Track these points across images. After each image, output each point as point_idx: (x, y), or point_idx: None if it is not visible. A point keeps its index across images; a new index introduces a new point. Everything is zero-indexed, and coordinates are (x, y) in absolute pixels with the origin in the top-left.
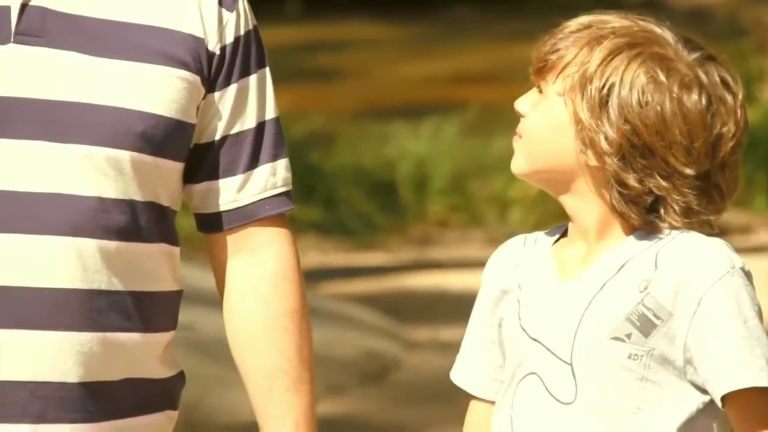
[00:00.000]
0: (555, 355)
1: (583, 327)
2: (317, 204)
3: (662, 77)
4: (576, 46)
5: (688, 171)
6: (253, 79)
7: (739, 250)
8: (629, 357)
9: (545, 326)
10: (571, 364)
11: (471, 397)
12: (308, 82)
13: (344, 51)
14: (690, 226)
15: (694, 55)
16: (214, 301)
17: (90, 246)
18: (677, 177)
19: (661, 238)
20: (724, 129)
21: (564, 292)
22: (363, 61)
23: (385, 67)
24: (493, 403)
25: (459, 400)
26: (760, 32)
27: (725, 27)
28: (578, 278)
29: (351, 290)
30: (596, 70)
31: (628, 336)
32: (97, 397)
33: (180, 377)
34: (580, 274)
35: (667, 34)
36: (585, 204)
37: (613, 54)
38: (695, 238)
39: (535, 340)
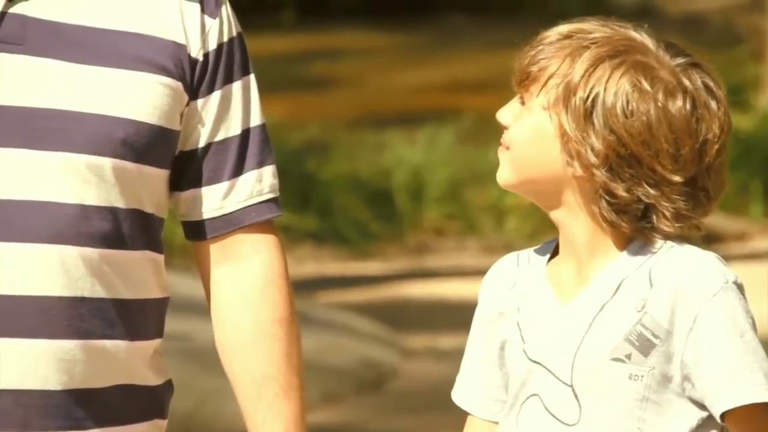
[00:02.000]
0: (556, 376)
1: (583, 349)
2: (313, 213)
3: (646, 85)
4: (558, 57)
5: (676, 178)
6: (237, 85)
7: (736, 258)
8: (630, 377)
9: (546, 348)
10: (571, 386)
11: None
12: (303, 91)
13: (339, 60)
14: (681, 231)
15: (676, 61)
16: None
17: (72, 253)
18: (665, 184)
19: (653, 253)
20: (710, 134)
21: (563, 315)
22: (358, 70)
23: (380, 76)
24: (492, 422)
25: (455, 408)
26: (755, 39)
27: (720, 34)
28: (576, 300)
29: (347, 299)
30: (579, 82)
31: (628, 356)
32: (82, 404)
33: (168, 386)
34: (578, 295)
35: (647, 41)
36: (574, 216)
37: (595, 64)
38: (687, 252)
39: (535, 362)
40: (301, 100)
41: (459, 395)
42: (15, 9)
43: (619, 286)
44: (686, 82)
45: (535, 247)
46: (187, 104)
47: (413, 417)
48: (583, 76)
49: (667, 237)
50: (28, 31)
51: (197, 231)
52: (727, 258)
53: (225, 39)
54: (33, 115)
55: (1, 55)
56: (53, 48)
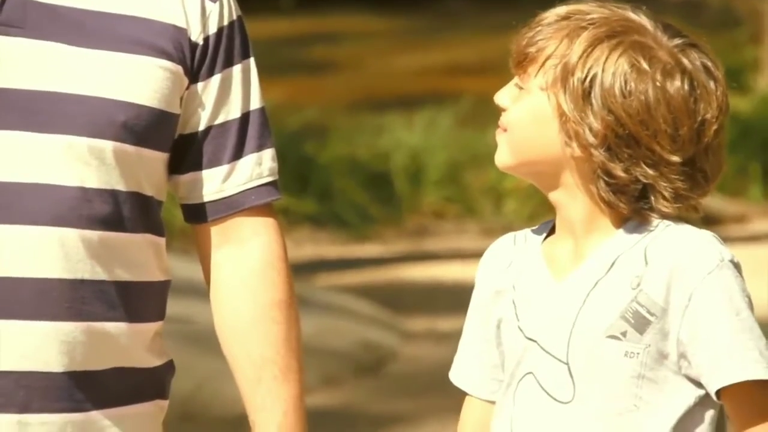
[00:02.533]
0: (551, 354)
1: (578, 326)
2: (312, 196)
3: (645, 65)
4: (555, 38)
5: (674, 158)
6: (237, 69)
7: (735, 240)
8: (626, 355)
9: (540, 326)
10: (567, 363)
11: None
12: (303, 74)
13: (338, 43)
14: (679, 212)
15: (674, 42)
16: None
17: (72, 236)
18: (664, 164)
19: (649, 231)
20: (708, 114)
21: (557, 291)
22: (357, 53)
23: (379, 59)
24: (490, 402)
25: (455, 391)
26: (754, 22)
27: (719, 17)
28: (570, 277)
29: (347, 282)
30: (577, 62)
31: (624, 334)
32: (83, 386)
33: (169, 366)
34: (572, 272)
35: (645, 21)
36: (572, 196)
37: (593, 45)
38: (683, 231)
39: (531, 339)
40: (300, 83)
41: (457, 375)
42: None
43: (614, 263)
44: (684, 62)
45: (533, 228)
46: (187, 88)
47: (412, 399)
48: (581, 57)
49: (664, 217)
50: (28, 14)
51: (197, 214)
52: (726, 240)
53: (225, 23)
54: (34, 98)
55: (1, 38)
56: (54, 31)
